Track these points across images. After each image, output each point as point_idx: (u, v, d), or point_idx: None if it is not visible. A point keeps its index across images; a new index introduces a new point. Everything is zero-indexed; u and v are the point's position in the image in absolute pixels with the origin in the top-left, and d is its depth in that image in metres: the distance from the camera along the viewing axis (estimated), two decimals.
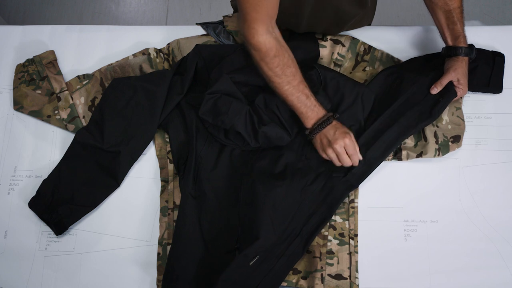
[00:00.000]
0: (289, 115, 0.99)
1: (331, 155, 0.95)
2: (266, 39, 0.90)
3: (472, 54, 1.01)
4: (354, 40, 1.12)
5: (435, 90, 1.00)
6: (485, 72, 1.07)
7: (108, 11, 2.14)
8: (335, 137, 0.94)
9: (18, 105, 1.11)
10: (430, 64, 1.06)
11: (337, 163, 0.96)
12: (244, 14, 0.88)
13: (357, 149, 0.95)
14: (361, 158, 0.96)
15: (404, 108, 1.01)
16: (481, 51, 1.09)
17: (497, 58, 1.08)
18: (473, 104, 1.07)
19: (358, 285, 0.95)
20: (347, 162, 0.95)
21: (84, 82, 1.11)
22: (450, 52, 1.01)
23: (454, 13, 0.99)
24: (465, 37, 1.00)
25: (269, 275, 0.91)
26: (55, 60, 1.14)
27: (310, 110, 0.95)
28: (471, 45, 1.01)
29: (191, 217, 0.98)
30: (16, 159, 1.09)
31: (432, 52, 1.10)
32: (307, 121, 0.96)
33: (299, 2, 0.96)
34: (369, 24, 1.18)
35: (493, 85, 1.07)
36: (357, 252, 0.97)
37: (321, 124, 0.95)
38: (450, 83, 1.01)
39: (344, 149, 0.94)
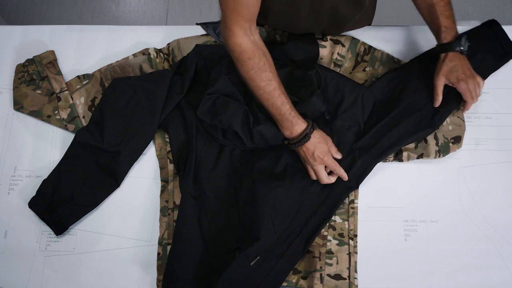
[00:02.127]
0: None
1: (313, 175, 0.96)
2: (242, 41, 0.91)
3: (459, 47, 0.96)
4: (354, 40, 1.12)
5: (437, 103, 0.99)
6: (492, 48, 1.07)
7: (108, 11, 2.14)
8: (314, 158, 0.94)
9: (18, 105, 1.11)
10: (433, 70, 1.05)
11: (322, 182, 0.96)
12: (223, 16, 0.91)
13: (336, 167, 0.95)
14: (345, 176, 0.97)
15: (405, 114, 1.01)
16: (476, 34, 1.09)
17: (494, 27, 1.09)
18: (473, 104, 1.07)
19: (357, 286, 0.95)
20: (331, 181, 0.96)
21: (84, 82, 1.11)
22: (438, 50, 0.98)
23: (437, 6, 0.96)
24: (448, 30, 0.96)
25: (269, 275, 0.91)
26: (55, 60, 1.14)
27: (285, 119, 0.93)
28: (461, 36, 0.97)
29: (191, 217, 0.98)
30: (16, 159, 1.09)
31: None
32: (282, 130, 0.95)
33: (294, 3, 0.96)
34: (369, 24, 1.18)
35: (509, 50, 1.08)
36: (356, 253, 0.97)
37: (298, 142, 0.94)
38: (449, 91, 1.00)
39: (324, 170, 0.95)
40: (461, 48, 0.96)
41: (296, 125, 0.93)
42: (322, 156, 0.93)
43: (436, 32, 0.98)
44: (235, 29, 0.90)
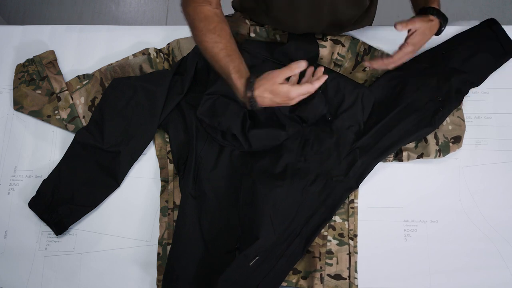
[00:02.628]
0: (288, 110, 0.99)
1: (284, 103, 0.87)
2: (199, 6, 0.91)
3: (443, 24, 0.96)
4: (354, 40, 1.12)
5: (398, 26, 0.91)
6: (492, 48, 1.07)
7: (108, 11, 2.14)
8: (280, 102, 0.85)
9: (18, 105, 1.11)
10: (433, 69, 1.06)
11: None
12: None
13: (305, 89, 0.84)
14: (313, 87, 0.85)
15: (405, 114, 1.01)
16: (476, 33, 1.09)
17: (493, 27, 1.09)
18: (473, 104, 1.07)
19: (357, 286, 0.95)
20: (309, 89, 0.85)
21: (84, 82, 1.11)
22: (423, 11, 0.95)
23: None
24: (439, 4, 0.96)
25: (269, 275, 0.91)
26: (55, 60, 1.14)
27: (229, 81, 0.89)
28: (445, 17, 0.96)
29: (191, 217, 0.98)
30: (16, 159, 1.09)
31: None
32: (235, 93, 0.90)
33: (294, 2, 0.96)
34: (370, 24, 1.18)
35: (509, 49, 1.08)
36: (356, 253, 0.97)
37: (251, 105, 0.86)
38: (451, 91, 1.00)
39: (297, 97, 0.85)
40: (443, 28, 0.97)
41: (236, 89, 0.88)
42: (285, 98, 0.84)
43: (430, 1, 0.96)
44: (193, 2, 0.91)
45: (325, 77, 0.86)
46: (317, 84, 0.84)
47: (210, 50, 0.90)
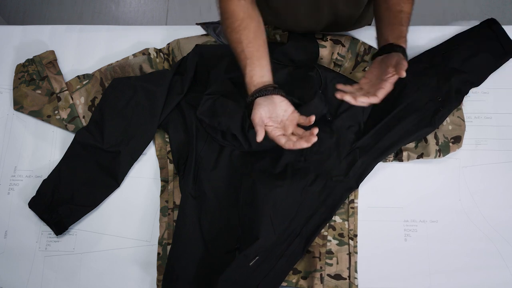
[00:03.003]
0: None
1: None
2: (227, 3, 0.91)
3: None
4: (354, 40, 1.12)
5: (340, 91, 0.87)
6: (492, 48, 1.07)
7: (108, 11, 2.14)
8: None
9: (18, 105, 1.11)
10: (433, 69, 1.06)
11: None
12: None
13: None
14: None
15: (405, 114, 1.01)
16: (476, 34, 1.09)
17: (493, 27, 1.09)
18: (473, 104, 1.07)
19: (357, 286, 0.95)
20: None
21: (84, 82, 1.11)
22: (388, 49, 0.90)
23: (403, 15, 0.93)
24: (405, 42, 0.91)
25: (269, 275, 0.91)
26: (55, 60, 1.14)
27: (246, 80, 0.90)
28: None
29: (191, 217, 0.98)
30: (16, 159, 1.09)
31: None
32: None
33: (293, 3, 0.96)
34: (369, 24, 1.18)
35: (509, 49, 1.08)
36: (356, 253, 0.97)
37: (248, 106, 0.90)
38: (451, 91, 1.00)
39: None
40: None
41: (248, 90, 0.90)
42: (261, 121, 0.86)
43: (397, 35, 0.91)
44: None
45: (313, 140, 0.83)
46: (297, 145, 0.83)
47: (234, 50, 0.92)
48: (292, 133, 0.87)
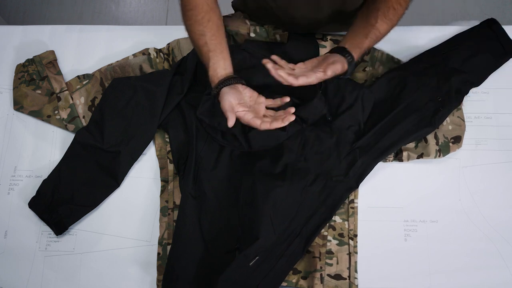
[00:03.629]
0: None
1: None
2: None
3: (350, 71, 0.92)
4: None
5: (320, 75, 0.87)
6: (492, 48, 1.07)
7: (108, 11, 2.14)
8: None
9: (18, 105, 1.11)
10: (433, 69, 1.06)
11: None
12: None
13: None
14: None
15: (405, 114, 1.01)
16: (476, 34, 1.09)
17: (493, 27, 1.09)
18: (473, 104, 1.07)
19: (357, 286, 0.95)
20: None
21: (84, 82, 1.11)
22: (338, 51, 0.92)
23: (373, 30, 0.93)
24: (360, 53, 0.93)
25: (269, 275, 0.91)
26: (55, 60, 1.14)
27: (209, 73, 0.91)
28: (354, 66, 0.94)
29: (191, 217, 0.98)
30: (16, 159, 1.09)
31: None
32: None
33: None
34: None
35: (509, 49, 1.08)
36: (356, 253, 0.97)
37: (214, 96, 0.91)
38: (451, 91, 1.00)
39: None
40: (350, 72, 0.93)
41: (215, 79, 0.91)
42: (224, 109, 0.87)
43: (354, 44, 0.93)
44: None
45: (291, 119, 0.84)
46: (274, 125, 0.84)
47: (196, 42, 0.93)
48: (264, 115, 0.88)
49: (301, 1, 0.99)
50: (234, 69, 0.96)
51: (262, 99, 0.90)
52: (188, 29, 0.94)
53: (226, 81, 0.90)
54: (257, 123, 0.85)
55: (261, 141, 0.98)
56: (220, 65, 0.91)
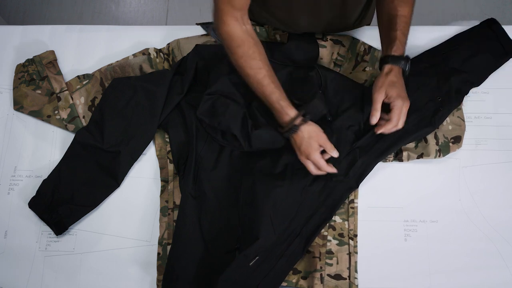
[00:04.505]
0: None
1: (304, 163, 0.94)
2: (232, 29, 0.92)
3: (406, 66, 0.93)
4: (354, 40, 1.12)
5: (374, 120, 0.92)
6: (493, 48, 1.07)
7: (108, 11, 2.14)
8: (300, 152, 0.93)
9: (18, 105, 1.11)
10: (433, 69, 1.06)
11: (312, 173, 0.94)
12: (215, 5, 0.92)
13: (322, 164, 0.91)
14: (334, 170, 0.93)
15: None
16: (476, 34, 1.09)
17: (493, 27, 1.09)
18: (473, 104, 1.07)
19: (357, 286, 0.95)
20: (321, 173, 0.93)
21: (84, 82, 1.11)
22: (381, 62, 0.94)
23: (398, 19, 0.93)
24: (401, 46, 0.93)
25: (269, 275, 0.91)
26: (55, 60, 1.14)
27: (274, 108, 0.93)
28: (407, 57, 0.94)
29: (191, 217, 0.98)
30: (16, 159, 1.09)
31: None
32: (275, 117, 0.95)
33: (295, 6, 0.96)
34: (369, 24, 1.18)
35: (509, 49, 1.08)
36: (356, 253, 0.97)
37: (286, 132, 0.93)
38: (451, 91, 1.00)
39: (313, 162, 0.92)
40: (407, 67, 0.94)
41: (284, 115, 0.92)
42: (308, 151, 0.92)
43: (389, 43, 0.94)
44: (226, 19, 0.91)
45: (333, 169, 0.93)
46: (329, 169, 0.93)
47: (253, 77, 0.93)
48: None
49: (302, 13, 0.99)
50: (233, 69, 0.97)
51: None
52: (241, 66, 0.93)
53: (306, 117, 0.92)
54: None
55: (263, 142, 0.98)
56: (284, 96, 0.93)
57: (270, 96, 0.93)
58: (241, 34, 0.92)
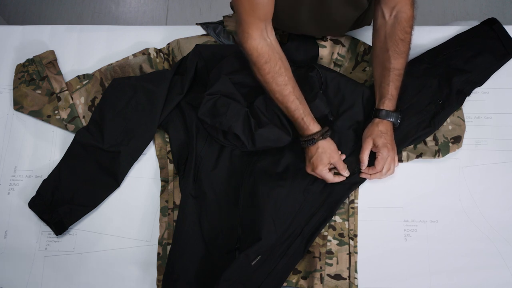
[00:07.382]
0: None
1: (312, 173, 0.97)
2: (259, 44, 0.92)
3: (396, 120, 0.96)
4: (354, 40, 1.12)
5: (363, 166, 0.97)
6: (494, 47, 1.07)
7: (108, 11, 2.14)
8: (310, 163, 0.95)
9: (18, 105, 1.11)
10: (434, 70, 1.05)
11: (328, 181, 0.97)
12: (239, 19, 0.91)
13: (328, 178, 0.95)
14: (344, 177, 0.96)
15: (405, 116, 1.01)
16: (476, 33, 1.09)
17: (494, 26, 1.08)
18: (473, 104, 1.07)
19: (357, 286, 0.95)
20: (329, 181, 0.97)
21: (84, 82, 1.11)
22: (376, 114, 0.97)
23: (391, 73, 0.95)
24: (393, 100, 0.96)
25: (270, 275, 0.91)
26: (55, 60, 1.14)
27: (297, 123, 0.96)
28: (398, 111, 0.97)
29: (191, 217, 0.98)
30: (16, 159, 1.09)
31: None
32: (298, 131, 0.97)
33: (295, 4, 0.96)
34: (369, 24, 1.18)
35: (511, 49, 1.08)
36: (356, 253, 0.97)
37: (303, 141, 0.95)
38: (451, 93, 1.00)
39: (318, 175, 0.95)
40: (397, 121, 0.97)
41: (306, 130, 0.95)
42: (316, 164, 0.94)
43: (381, 96, 0.97)
44: (251, 31, 0.90)
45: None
46: (336, 179, 0.97)
47: (279, 92, 0.94)
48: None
49: (305, 21, 1.00)
50: (233, 69, 0.97)
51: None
52: (267, 81, 0.94)
53: (326, 133, 0.95)
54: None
55: (267, 141, 0.98)
56: (308, 111, 0.95)
57: (294, 112, 0.94)
58: (268, 49, 0.93)
